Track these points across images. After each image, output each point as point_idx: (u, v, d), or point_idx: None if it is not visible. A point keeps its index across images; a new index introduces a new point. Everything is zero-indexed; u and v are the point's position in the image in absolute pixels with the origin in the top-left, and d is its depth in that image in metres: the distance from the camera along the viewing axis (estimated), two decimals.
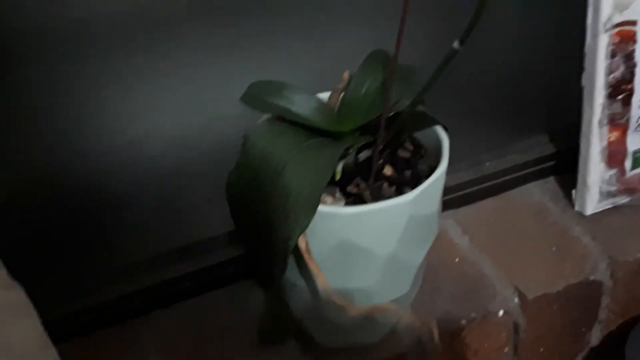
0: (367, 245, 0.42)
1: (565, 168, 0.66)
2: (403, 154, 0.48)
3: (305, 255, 0.41)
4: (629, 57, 0.56)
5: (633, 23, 0.55)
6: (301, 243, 0.40)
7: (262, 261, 0.44)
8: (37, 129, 0.46)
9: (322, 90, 0.48)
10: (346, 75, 0.50)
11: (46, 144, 0.47)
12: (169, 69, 0.48)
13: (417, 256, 0.47)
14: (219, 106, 0.50)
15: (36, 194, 0.48)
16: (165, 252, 0.54)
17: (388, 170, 0.47)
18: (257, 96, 0.45)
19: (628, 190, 0.63)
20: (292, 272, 0.43)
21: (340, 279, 0.43)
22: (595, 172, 0.61)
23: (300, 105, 0.45)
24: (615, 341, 0.63)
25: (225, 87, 0.50)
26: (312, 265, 0.41)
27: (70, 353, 0.31)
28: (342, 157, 0.44)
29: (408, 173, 0.47)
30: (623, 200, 0.63)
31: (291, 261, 0.42)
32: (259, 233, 0.43)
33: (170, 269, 0.55)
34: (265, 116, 0.46)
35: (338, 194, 0.45)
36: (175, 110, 0.50)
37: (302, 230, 0.40)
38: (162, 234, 0.54)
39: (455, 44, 0.40)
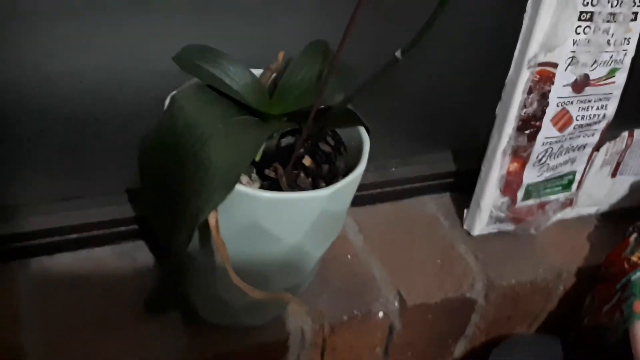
0: (276, 232, 0.42)
1: (461, 187, 0.69)
2: (323, 147, 0.48)
3: (214, 232, 0.40)
4: (544, 96, 0.59)
5: (554, 65, 0.58)
6: (211, 219, 0.40)
7: (164, 230, 0.43)
8: None
9: (252, 66, 0.47)
10: (281, 56, 0.49)
11: None
12: (103, 8, 0.45)
13: (319, 249, 0.47)
14: (146, 59, 0.48)
15: None
16: (57, 199, 0.52)
17: (307, 161, 0.47)
18: (191, 59, 0.43)
19: (515, 219, 0.66)
20: (193, 246, 0.42)
21: (243, 261, 0.43)
22: (489, 196, 0.64)
23: (234, 77, 0.44)
24: (477, 357, 0.67)
25: (155, 42, 0.48)
26: (218, 243, 0.40)
27: None
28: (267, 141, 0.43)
29: (326, 167, 0.47)
30: (509, 227, 0.67)
31: (195, 235, 0.41)
32: (167, 201, 0.42)
33: (59, 216, 0.52)
34: (194, 80, 0.45)
35: (254, 175, 0.45)
36: (98, 53, 0.47)
37: (215, 206, 0.39)
38: (59, 179, 0.51)
39: (398, 53, 0.41)
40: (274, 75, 0.49)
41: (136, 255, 0.54)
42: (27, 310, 0.49)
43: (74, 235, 0.52)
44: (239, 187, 0.39)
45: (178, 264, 0.44)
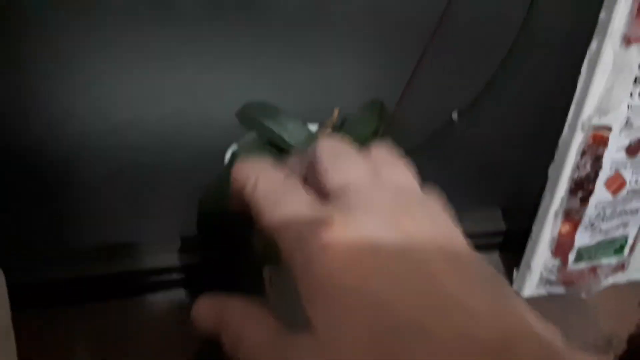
0: None
1: (510, 246, 0.68)
2: None
3: (267, 288, 0.40)
4: (597, 159, 0.58)
5: (609, 129, 0.57)
6: (266, 274, 0.40)
7: (219, 281, 0.44)
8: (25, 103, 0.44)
9: (306, 120, 0.49)
10: (336, 112, 0.50)
11: (26, 119, 0.45)
12: (172, 63, 0.47)
13: None
14: (207, 112, 0.50)
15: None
16: (113, 244, 0.53)
17: None
18: (252, 115, 0.45)
19: (566, 282, 0.65)
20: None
21: (289, 317, 0.43)
22: (540, 257, 0.63)
23: (293, 134, 0.45)
24: None
25: (217, 96, 0.49)
26: (271, 298, 0.40)
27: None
28: None
29: None
30: (559, 290, 0.66)
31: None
32: (227, 252, 0.42)
33: (114, 262, 0.53)
34: (252, 134, 0.46)
35: None
36: (164, 105, 0.49)
37: (271, 260, 0.40)
38: (117, 225, 0.52)
39: (454, 115, 0.41)
40: (329, 130, 0.50)
41: (187, 302, 0.55)
42: (79, 354, 0.50)
43: (128, 281, 0.53)
44: None
45: None
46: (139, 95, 0.48)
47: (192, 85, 0.49)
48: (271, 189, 0.25)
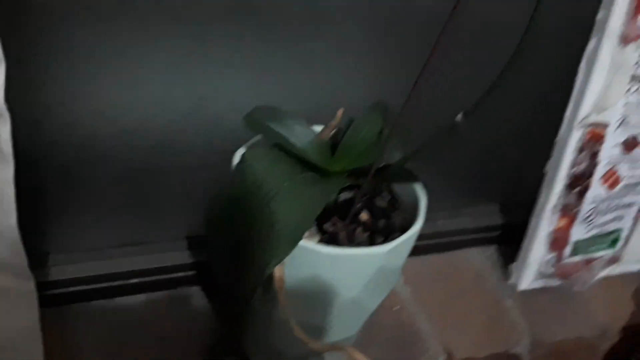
0: (335, 285, 0.43)
1: (508, 240, 0.69)
2: (380, 202, 0.50)
3: (278, 285, 0.41)
4: (594, 156, 0.60)
5: (605, 125, 0.58)
6: (277, 272, 0.41)
7: (227, 280, 0.44)
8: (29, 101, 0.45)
9: (308, 121, 0.49)
10: (340, 113, 0.51)
11: (35, 119, 0.45)
12: (180, 66, 0.48)
13: (375, 302, 0.48)
14: (214, 115, 0.51)
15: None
16: (120, 244, 0.54)
17: (364, 216, 0.48)
18: (259, 120, 0.45)
19: (561, 275, 0.67)
20: (255, 297, 0.44)
21: (301, 313, 0.44)
22: (537, 252, 0.65)
23: (299, 136, 0.46)
24: None
25: (224, 99, 0.50)
26: (282, 296, 0.41)
27: None
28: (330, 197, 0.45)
29: (382, 222, 0.48)
30: (555, 282, 0.67)
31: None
32: (233, 252, 0.43)
33: (120, 260, 0.54)
34: (259, 136, 0.47)
35: (314, 229, 0.46)
36: (171, 109, 0.49)
37: (280, 260, 0.40)
38: (124, 225, 0.53)
39: (459, 117, 0.42)
40: (333, 131, 0.50)
41: (192, 301, 0.56)
42: (87, 352, 0.51)
43: (134, 280, 0.54)
44: (301, 242, 0.41)
45: (239, 314, 0.46)
46: (147, 98, 0.48)
47: (199, 89, 0.49)
48: None
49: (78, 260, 0.52)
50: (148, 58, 0.46)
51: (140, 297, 0.55)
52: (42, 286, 0.50)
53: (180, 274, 0.55)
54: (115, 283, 0.53)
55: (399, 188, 0.51)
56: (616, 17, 0.54)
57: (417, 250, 0.66)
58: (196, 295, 0.56)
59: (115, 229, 0.53)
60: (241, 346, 0.51)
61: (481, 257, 0.70)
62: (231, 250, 0.44)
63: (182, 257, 0.55)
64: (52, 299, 0.51)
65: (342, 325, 0.47)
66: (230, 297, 0.45)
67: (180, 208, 0.53)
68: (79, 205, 0.51)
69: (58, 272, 0.51)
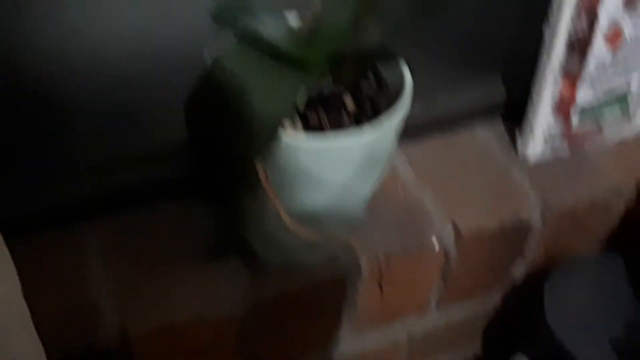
0: (323, 175, 0.43)
1: (514, 113, 0.67)
2: (366, 87, 0.48)
3: (263, 179, 0.41)
4: (592, 12, 0.57)
5: None
6: (259, 167, 0.41)
7: (217, 181, 0.45)
8: None
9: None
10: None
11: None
12: None
13: (367, 187, 0.48)
14: (183, 16, 0.49)
15: None
16: (117, 159, 0.54)
17: (348, 101, 0.47)
18: (228, 12, 0.44)
19: (571, 142, 0.65)
20: (248, 194, 0.44)
21: (295, 204, 0.44)
22: (543, 119, 0.63)
23: (271, 27, 0.44)
24: (537, 278, 0.68)
25: None
26: (268, 189, 0.41)
27: (15, 250, 0.31)
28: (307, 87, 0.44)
29: (368, 105, 0.47)
30: (565, 152, 0.66)
31: (247, 184, 0.43)
32: (217, 152, 0.43)
33: (119, 175, 0.54)
34: (227, 33, 0.45)
35: (299, 125, 0.46)
36: (138, 16, 0.48)
37: (259, 153, 0.41)
38: (115, 140, 0.53)
39: None
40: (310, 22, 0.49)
41: (195, 207, 0.56)
42: (96, 264, 0.52)
43: (134, 192, 0.54)
44: (284, 139, 0.41)
45: (236, 211, 0.46)
46: (111, 11, 0.47)
47: None
48: None
49: (75, 177, 0.53)
50: None
51: (144, 209, 0.55)
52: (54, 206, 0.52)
53: (179, 183, 0.55)
54: (117, 196, 0.54)
55: (386, 72, 0.49)
56: None
57: (417, 131, 0.66)
58: (198, 202, 0.56)
59: (97, 143, 0.53)
60: (246, 243, 0.52)
61: (486, 133, 0.68)
62: (214, 152, 0.44)
63: (170, 165, 0.55)
64: (63, 218, 0.53)
65: (338, 213, 0.47)
66: (223, 197, 0.45)
67: (160, 117, 0.53)
68: (58, 122, 0.51)
69: (45, 193, 0.52)
